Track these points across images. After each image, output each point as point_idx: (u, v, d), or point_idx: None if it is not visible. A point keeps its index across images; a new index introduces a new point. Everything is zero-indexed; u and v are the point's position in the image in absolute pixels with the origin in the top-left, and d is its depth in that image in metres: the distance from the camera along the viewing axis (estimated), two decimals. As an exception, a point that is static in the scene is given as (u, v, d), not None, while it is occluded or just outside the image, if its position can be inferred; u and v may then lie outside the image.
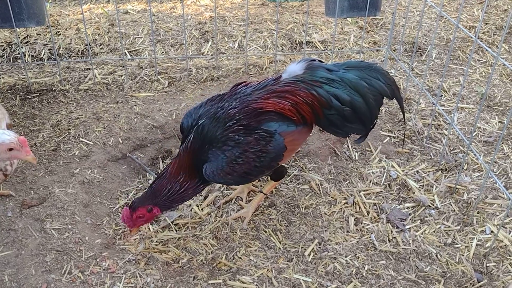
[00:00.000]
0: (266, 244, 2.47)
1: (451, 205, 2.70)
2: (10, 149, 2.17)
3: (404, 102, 3.46)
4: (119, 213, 2.61)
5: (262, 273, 2.31)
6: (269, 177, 2.62)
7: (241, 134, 2.18)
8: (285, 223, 2.59)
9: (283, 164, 2.49)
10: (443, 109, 3.35)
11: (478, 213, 2.64)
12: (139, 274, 2.27)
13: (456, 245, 2.48)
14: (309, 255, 2.42)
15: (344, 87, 2.28)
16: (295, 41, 4.13)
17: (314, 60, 2.39)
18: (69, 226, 2.43)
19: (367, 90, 2.28)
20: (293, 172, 2.89)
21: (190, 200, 2.60)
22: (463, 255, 2.42)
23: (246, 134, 2.18)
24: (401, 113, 3.35)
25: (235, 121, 2.19)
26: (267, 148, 2.20)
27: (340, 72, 2.31)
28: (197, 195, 2.76)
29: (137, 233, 2.50)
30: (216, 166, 2.16)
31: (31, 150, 2.86)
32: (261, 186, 2.75)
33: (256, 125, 2.20)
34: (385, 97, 2.36)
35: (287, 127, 2.25)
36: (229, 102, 2.26)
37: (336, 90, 2.27)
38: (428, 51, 4.08)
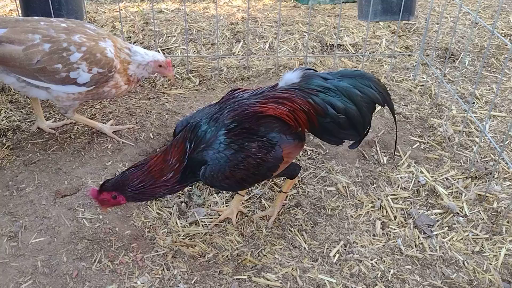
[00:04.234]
0: (291, 243, 2.49)
1: (480, 213, 2.67)
2: (160, 66, 2.90)
3: (435, 108, 3.43)
4: (147, 206, 2.67)
5: (287, 272, 2.33)
6: (284, 177, 2.61)
7: (245, 138, 2.17)
8: (311, 224, 2.60)
9: (293, 162, 2.47)
10: (475, 116, 3.31)
11: (507, 222, 2.60)
12: (166, 266, 2.32)
13: (484, 254, 2.45)
14: (334, 256, 2.42)
15: (339, 95, 2.30)
16: (326, 43, 4.14)
17: (309, 69, 2.42)
18: (100, 217, 2.50)
19: (360, 98, 2.30)
20: (320, 174, 2.90)
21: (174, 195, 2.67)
22: (491, 264, 2.39)
23: (249, 140, 2.17)
24: (432, 118, 3.32)
25: (236, 124, 2.18)
26: (267, 157, 2.20)
27: (334, 80, 2.33)
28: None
29: (108, 211, 2.48)
30: (219, 168, 2.13)
31: (65, 141, 2.97)
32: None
33: (257, 129, 2.20)
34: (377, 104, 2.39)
35: (286, 139, 2.26)
36: (227, 105, 2.26)
37: (331, 98, 2.29)
38: (461, 57, 4.03)
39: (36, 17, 2.84)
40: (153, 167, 2.19)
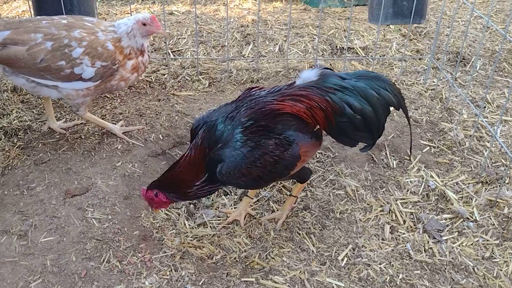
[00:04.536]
0: (299, 246, 2.48)
1: (490, 218, 2.64)
2: (144, 24, 2.76)
3: (445, 112, 3.41)
4: (156, 207, 2.68)
5: (294, 275, 2.32)
6: (295, 180, 2.61)
7: (262, 136, 2.17)
8: (319, 227, 2.60)
9: (305, 166, 2.48)
10: (486, 121, 3.28)
11: (519, 228, 2.57)
12: (174, 267, 2.32)
13: (495, 260, 2.43)
14: (342, 260, 2.41)
15: (356, 95, 2.29)
16: (336, 46, 4.13)
17: (327, 68, 2.41)
18: (109, 217, 2.51)
19: (377, 99, 2.30)
20: (329, 177, 2.89)
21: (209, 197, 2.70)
22: (501, 270, 2.36)
23: (266, 137, 2.17)
24: (442, 123, 3.30)
25: (253, 121, 2.18)
26: (284, 155, 2.19)
27: (352, 80, 2.33)
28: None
29: (159, 213, 2.59)
30: (235, 165, 2.14)
31: (75, 142, 3.00)
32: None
33: (274, 126, 2.20)
34: (391, 107, 2.37)
35: (303, 137, 2.25)
36: (243, 103, 2.26)
37: (348, 97, 2.28)
38: (473, 61, 4.00)
39: (39, 17, 2.87)
40: (182, 168, 2.23)
